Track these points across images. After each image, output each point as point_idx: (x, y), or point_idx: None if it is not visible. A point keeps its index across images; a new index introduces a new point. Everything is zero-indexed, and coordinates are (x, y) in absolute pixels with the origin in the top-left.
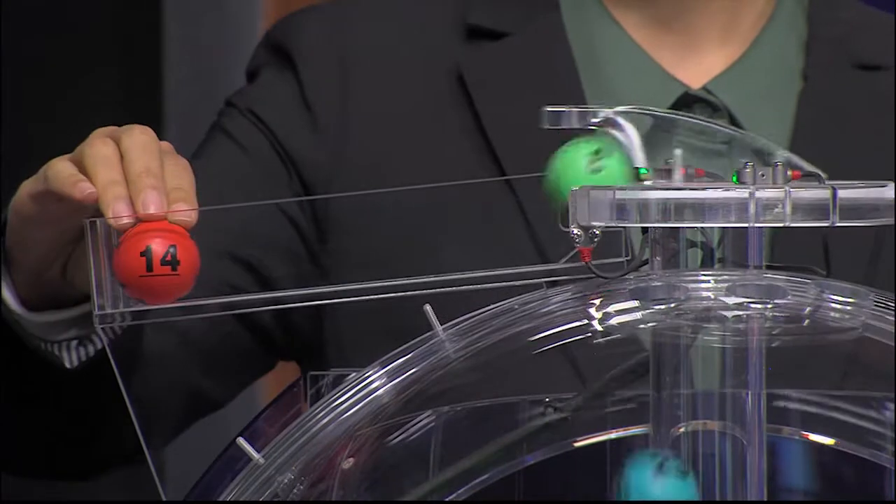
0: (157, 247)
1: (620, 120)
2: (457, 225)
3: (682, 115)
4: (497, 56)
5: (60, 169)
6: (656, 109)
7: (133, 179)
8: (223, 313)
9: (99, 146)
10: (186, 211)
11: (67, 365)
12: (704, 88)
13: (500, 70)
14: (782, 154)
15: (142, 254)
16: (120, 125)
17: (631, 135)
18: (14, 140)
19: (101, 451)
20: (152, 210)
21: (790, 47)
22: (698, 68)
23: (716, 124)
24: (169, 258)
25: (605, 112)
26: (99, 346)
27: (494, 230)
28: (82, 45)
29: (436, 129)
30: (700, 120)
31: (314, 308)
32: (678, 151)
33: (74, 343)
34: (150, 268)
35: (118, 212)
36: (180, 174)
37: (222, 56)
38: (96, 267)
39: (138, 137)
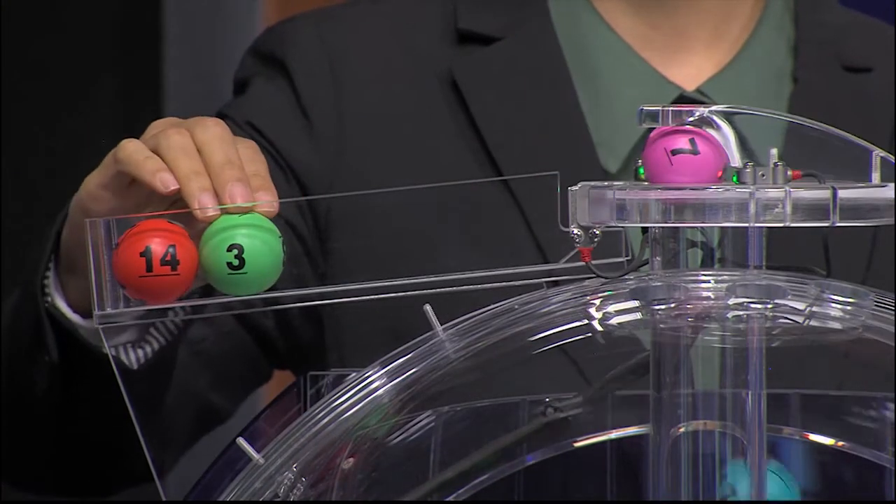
0: (157, 247)
1: (716, 119)
2: (456, 226)
3: (777, 115)
4: (489, 60)
5: (133, 151)
6: (751, 108)
7: (217, 172)
8: (223, 313)
9: (175, 136)
10: (270, 201)
11: (134, 366)
12: (698, 90)
13: (493, 74)
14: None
15: (141, 254)
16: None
17: (727, 134)
18: (14, 140)
19: (135, 463)
20: (239, 201)
21: (780, 50)
22: (687, 71)
23: (809, 123)
24: (168, 258)
25: (701, 111)
26: (156, 346)
27: (494, 231)
28: (82, 45)
29: (431, 133)
30: (788, 118)
31: (316, 313)
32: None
33: (129, 346)
34: (149, 268)
35: (204, 203)
36: (254, 159)
37: (222, 56)
38: (96, 267)
39: (213, 129)
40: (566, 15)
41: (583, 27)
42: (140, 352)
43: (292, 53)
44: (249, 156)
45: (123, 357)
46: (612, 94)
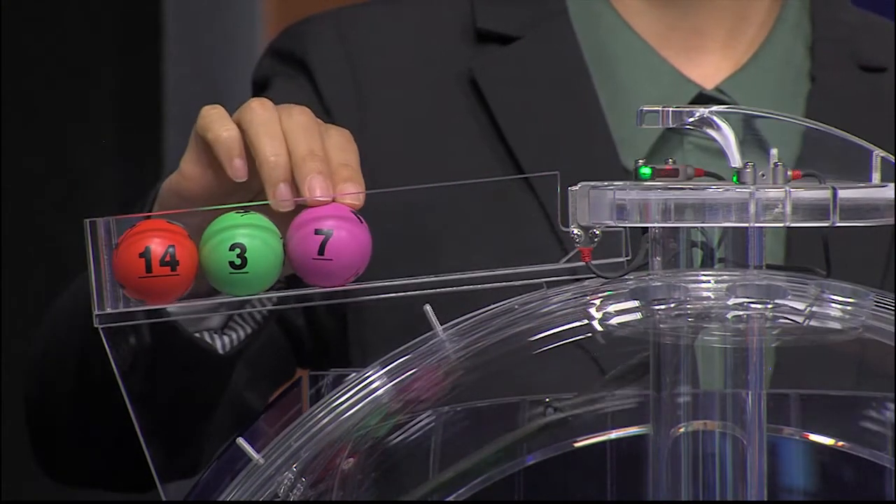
0: (156, 247)
1: (716, 119)
2: (477, 224)
3: (774, 115)
4: (508, 59)
5: (214, 116)
6: (749, 108)
7: (298, 163)
8: (221, 313)
9: (259, 111)
10: (355, 194)
11: (221, 351)
12: (717, 89)
13: (513, 73)
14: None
15: (141, 255)
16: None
17: (727, 134)
18: (14, 140)
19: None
20: (318, 195)
21: (797, 49)
22: (705, 70)
23: (812, 124)
24: (168, 258)
25: (701, 111)
26: (242, 334)
27: (517, 228)
28: (82, 44)
29: (452, 132)
30: (790, 118)
31: (340, 310)
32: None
33: (217, 332)
34: (149, 269)
35: (282, 195)
36: (345, 147)
37: (222, 56)
38: (96, 267)
39: (298, 118)
40: (584, 13)
41: (601, 25)
42: (226, 338)
43: (312, 52)
44: (340, 144)
45: (218, 343)
46: (631, 92)
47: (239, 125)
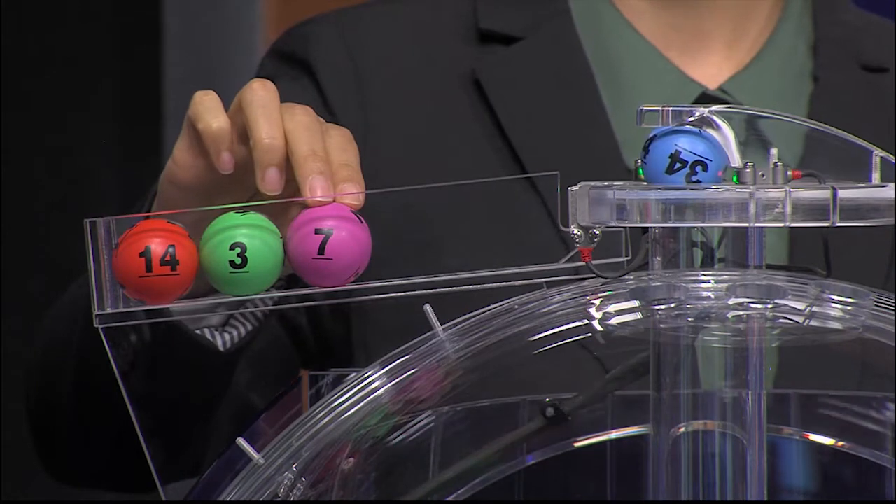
0: (157, 247)
1: (716, 119)
2: (482, 224)
3: (774, 115)
4: (511, 60)
5: (206, 105)
6: (750, 108)
7: (300, 163)
8: (220, 312)
9: (260, 92)
10: (355, 194)
11: (221, 349)
12: (720, 89)
13: (516, 73)
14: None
15: (141, 254)
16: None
17: (727, 134)
18: (14, 140)
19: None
20: (319, 195)
21: (800, 49)
22: (708, 70)
23: (813, 124)
24: (168, 258)
25: (701, 111)
26: (243, 331)
27: (521, 228)
28: (82, 44)
29: (455, 132)
30: (789, 118)
31: (343, 311)
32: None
33: (218, 329)
34: (149, 268)
35: (270, 179)
36: (345, 147)
37: (222, 56)
38: (96, 267)
39: (301, 117)
40: (587, 14)
41: (604, 26)
42: (227, 336)
43: (315, 53)
44: (341, 144)
45: (219, 340)
46: (635, 93)
47: (238, 104)
